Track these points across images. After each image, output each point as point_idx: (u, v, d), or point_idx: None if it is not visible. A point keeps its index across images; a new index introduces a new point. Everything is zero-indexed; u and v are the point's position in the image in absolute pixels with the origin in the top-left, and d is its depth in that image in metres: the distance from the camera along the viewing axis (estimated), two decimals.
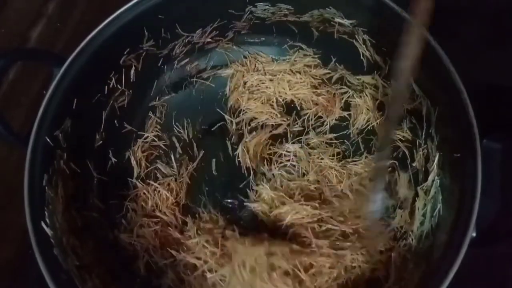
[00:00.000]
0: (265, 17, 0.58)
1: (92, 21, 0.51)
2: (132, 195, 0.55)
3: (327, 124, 0.58)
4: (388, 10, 0.49)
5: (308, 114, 0.58)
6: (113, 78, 0.54)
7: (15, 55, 0.49)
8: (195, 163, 0.57)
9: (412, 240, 0.49)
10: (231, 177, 0.56)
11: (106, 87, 0.54)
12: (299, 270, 0.46)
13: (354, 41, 0.56)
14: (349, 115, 0.58)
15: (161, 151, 0.58)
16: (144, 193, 0.55)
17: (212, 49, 0.61)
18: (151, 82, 0.60)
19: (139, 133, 0.59)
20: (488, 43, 0.61)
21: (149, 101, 0.60)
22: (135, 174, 0.57)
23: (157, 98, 0.60)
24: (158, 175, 0.57)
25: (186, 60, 0.61)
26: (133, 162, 0.57)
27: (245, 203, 0.54)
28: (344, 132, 0.58)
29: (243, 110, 0.59)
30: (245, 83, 0.60)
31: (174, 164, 0.57)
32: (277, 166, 0.55)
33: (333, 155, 0.56)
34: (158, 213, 0.54)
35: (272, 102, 0.59)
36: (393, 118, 0.44)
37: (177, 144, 0.58)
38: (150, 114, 0.60)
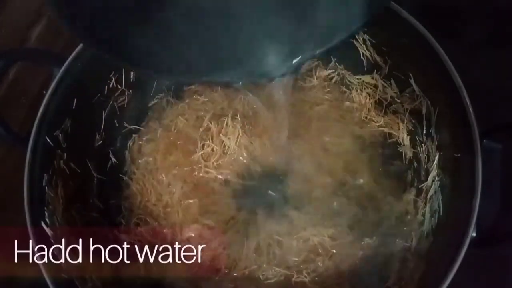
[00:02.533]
0: None
1: None
2: (127, 194, 0.56)
3: None
4: (388, 10, 0.49)
5: None
6: (113, 78, 0.54)
7: (15, 55, 0.49)
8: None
9: (412, 240, 0.49)
10: None
11: (106, 87, 0.54)
12: None
13: (354, 41, 0.56)
14: None
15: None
16: (136, 189, 0.55)
17: None
18: (151, 82, 0.60)
19: (139, 133, 0.59)
20: (488, 43, 0.61)
21: (149, 101, 0.60)
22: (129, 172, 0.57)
23: (157, 98, 0.60)
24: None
25: None
26: (128, 160, 0.57)
27: None
28: None
29: None
30: None
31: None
32: None
33: None
34: (151, 212, 0.54)
35: None
36: None
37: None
38: (150, 114, 0.60)
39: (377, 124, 0.56)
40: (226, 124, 0.56)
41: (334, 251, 0.51)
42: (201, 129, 0.57)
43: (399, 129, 0.55)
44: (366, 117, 0.57)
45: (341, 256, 0.51)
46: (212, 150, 0.55)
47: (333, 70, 0.60)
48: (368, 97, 0.57)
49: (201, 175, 0.55)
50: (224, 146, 0.55)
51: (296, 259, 0.51)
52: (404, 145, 0.55)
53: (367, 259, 0.51)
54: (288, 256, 0.51)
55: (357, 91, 0.58)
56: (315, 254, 0.51)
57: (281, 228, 0.52)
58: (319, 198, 0.53)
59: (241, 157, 0.55)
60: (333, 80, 0.59)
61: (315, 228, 0.51)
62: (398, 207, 0.52)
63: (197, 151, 0.56)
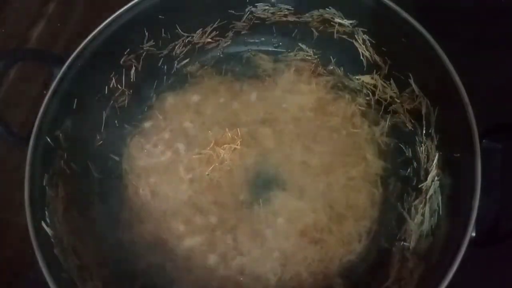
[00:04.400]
0: (265, 17, 0.58)
1: (92, 21, 0.51)
2: (128, 194, 0.56)
3: None
4: (388, 10, 0.49)
5: None
6: (113, 78, 0.54)
7: (15, 55, 0.49)
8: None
9: (411, 240, 0.49)
10: None
11: (106, 87, 0.54)
12: None
13: (354, 41, 0.56)
14: None
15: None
16: (136, 189, 0.56)
17: (212, 49, 0.62)
18: (151, 82, 0.60)
19: (139, 133, 0.59)
20: (488, 43, 0.61)
21: (149, 101, 0.60)
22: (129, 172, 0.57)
23: (157, 98, 0.60)
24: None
25: (186, 60, 0.61)
26: (128, 159, 0.57)
27: None
28: None
29: None
30: None
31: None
32: None
33: None
34: (152, 211, 0.54)
35: None
36: None
37: None
38: (150, 114, 0.60)
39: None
40: (226, 136, 0.56)
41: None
42: (201, 133, 0.57)
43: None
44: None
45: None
46: (210, 156, 0.56)
47: (333, 70, 0.60)
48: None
49: (199, 176, 0.55)
50: (219, 156, 0.55)
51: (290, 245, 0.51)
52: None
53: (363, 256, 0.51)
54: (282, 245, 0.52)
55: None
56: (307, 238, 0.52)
57: (275, 219, 0.53)
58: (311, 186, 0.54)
59: (234, 168, 0.55)
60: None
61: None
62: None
63: (196, 153, 0.56)
